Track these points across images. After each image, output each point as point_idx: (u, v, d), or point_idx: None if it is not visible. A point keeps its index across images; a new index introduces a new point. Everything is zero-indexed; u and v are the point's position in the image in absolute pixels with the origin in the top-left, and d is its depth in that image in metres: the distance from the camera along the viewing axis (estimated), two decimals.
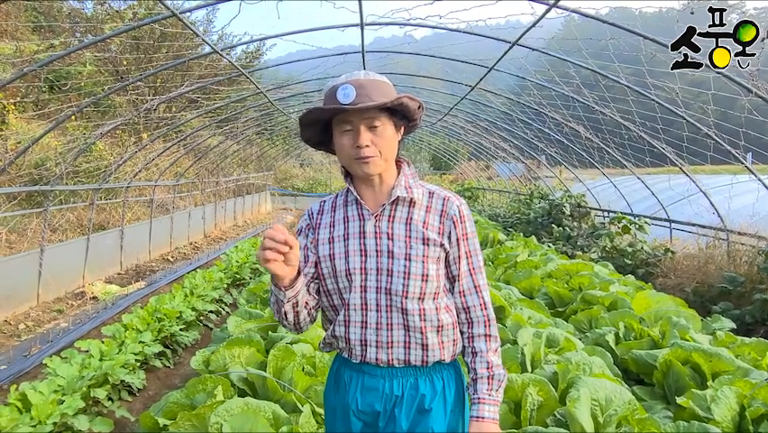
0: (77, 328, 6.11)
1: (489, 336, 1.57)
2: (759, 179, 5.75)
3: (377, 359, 1.54)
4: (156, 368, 4.95)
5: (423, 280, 1.50)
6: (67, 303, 7.23)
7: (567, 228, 10.21)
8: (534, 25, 5.08)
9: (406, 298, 1.50)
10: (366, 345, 1.54)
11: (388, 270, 1.51)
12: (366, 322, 1.54)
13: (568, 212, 10.60)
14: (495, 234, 9.31)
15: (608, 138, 7.96)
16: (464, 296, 1.57)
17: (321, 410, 2.81)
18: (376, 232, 1.53)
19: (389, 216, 1.54)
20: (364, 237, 1.54)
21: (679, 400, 3.02)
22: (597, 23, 4.99)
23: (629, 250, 7.91)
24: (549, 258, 6.94)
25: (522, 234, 10.14)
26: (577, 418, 2.57)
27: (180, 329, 5.49)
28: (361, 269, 1.53)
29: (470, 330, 1.58)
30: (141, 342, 4.74)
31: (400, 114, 1.53)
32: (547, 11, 4.77)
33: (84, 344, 4.39)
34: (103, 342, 4.53)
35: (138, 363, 4.56)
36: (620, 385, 2.93)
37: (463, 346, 1.60)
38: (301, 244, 1.62)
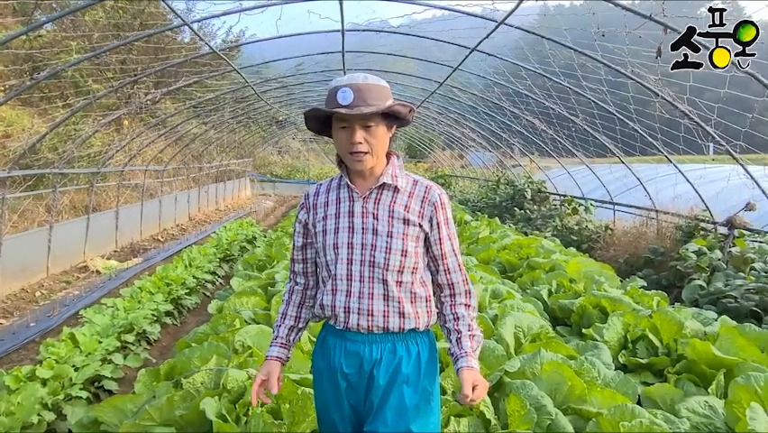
0: (88, 295, 6.88)
1: (469, 305, 1.82)
2: (678, 169, 6.84)
3: (358, 325, 1.73)
4: (167, 324, 5.78)
5: (402, 255, 1.71)
6: (73, 275, 7.96)
7: (528, 211, 11.29)
8: (489, 35, 5.99)
9: (387, 270, 1.71)
10: (349, 312, 1.74)
11: (372, 245, 1.72)
12: (350, 291, 1.73)
13: (529, 196, 11.69)
14: (462, 215, 10.35)
15: (558, 130, 9.02)
16: (449, 273, 1.79)
17: (315, 339, 3.70)
18: (363, 212, 1.74)
19: (375, 198, 1.75)
20: (353, 216, 1.75)
21: (584, 330, 4.03)
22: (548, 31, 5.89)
23: (576, 228, 9.01)
24: (506, 235, 7.94)
25: (488, 216, 11.17)
26: (504, 337, 3.54)
27: (185, 293, 6.32)
28: (348, 243, 1.74)
29: (452, 300, 1.82)
30: (154, 301, 5.56)
31: (393, 116, 1.73)
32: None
33: (109, 301, 5.21)
34: (124, 300, 5.34)
35: (154, 318, 5.39)
36: (540, 318, 3.91)
37: (444, 315, 1.82)
38: (301, 220, 1.89)
